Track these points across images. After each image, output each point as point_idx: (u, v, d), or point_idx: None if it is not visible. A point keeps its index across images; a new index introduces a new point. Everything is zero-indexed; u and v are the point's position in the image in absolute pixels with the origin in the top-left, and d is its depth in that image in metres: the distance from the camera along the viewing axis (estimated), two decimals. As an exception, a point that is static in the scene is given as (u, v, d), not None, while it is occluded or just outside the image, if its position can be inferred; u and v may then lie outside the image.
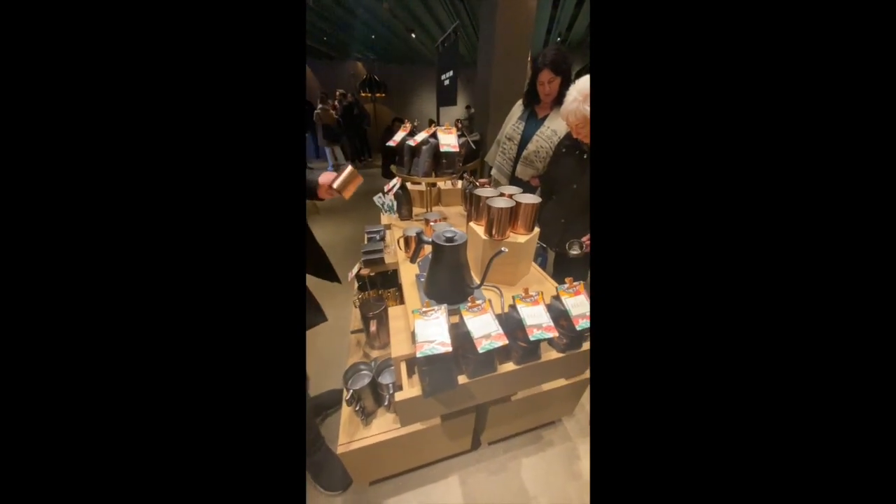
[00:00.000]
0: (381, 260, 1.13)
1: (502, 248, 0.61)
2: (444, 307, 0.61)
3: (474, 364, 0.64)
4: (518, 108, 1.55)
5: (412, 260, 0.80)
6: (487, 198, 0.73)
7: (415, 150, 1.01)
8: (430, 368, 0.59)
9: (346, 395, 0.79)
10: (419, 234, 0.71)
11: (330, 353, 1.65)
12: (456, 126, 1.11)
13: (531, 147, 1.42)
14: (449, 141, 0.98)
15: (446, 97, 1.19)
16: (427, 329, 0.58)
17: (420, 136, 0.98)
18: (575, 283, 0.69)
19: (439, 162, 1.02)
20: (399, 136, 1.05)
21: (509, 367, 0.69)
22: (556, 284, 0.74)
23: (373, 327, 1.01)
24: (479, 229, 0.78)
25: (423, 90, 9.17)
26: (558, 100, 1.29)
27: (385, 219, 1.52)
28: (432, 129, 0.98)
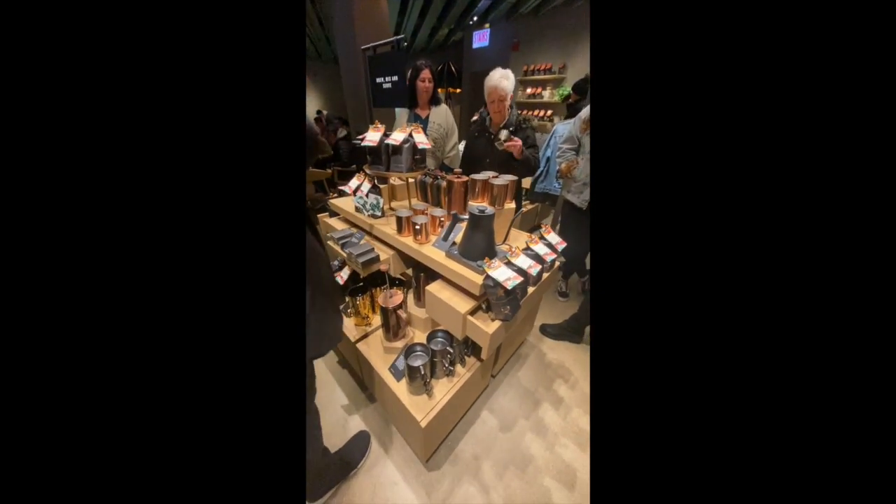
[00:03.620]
0: (377, 258, 1.17)
1: (523, 208, 0.90)
2: (496, 258, 0.86)
3: (520, 291, 0.93)
4: (403, 114, 1.91)
5: (445, 237, 0.96)
6: (490, 179, 1.01)
7: (396, 149, 1.10)
8: (509, 299, 0.83)
9: (422, 372, 0.88)
10: (455, 214, 0.89)
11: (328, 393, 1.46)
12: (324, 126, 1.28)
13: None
14: (422, 139, 1.14)
15: (391, 99, 1.28)
16: (500, 273, 0.81)
17: (399, 136, 1.08)
18: (545, 225, 1.08)
19: (413, 158, 1.16)
20: (375, 136, 1.10)
21: (530, 289, 1.02)
22: (531, 234, 1.11)
23: (403, 315, 1.07)
24: (478, 205, 1.04)
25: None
26: (432, 99, 1.79)
27: (335, 222, 1.46)
28: (408, 130, 1.11)
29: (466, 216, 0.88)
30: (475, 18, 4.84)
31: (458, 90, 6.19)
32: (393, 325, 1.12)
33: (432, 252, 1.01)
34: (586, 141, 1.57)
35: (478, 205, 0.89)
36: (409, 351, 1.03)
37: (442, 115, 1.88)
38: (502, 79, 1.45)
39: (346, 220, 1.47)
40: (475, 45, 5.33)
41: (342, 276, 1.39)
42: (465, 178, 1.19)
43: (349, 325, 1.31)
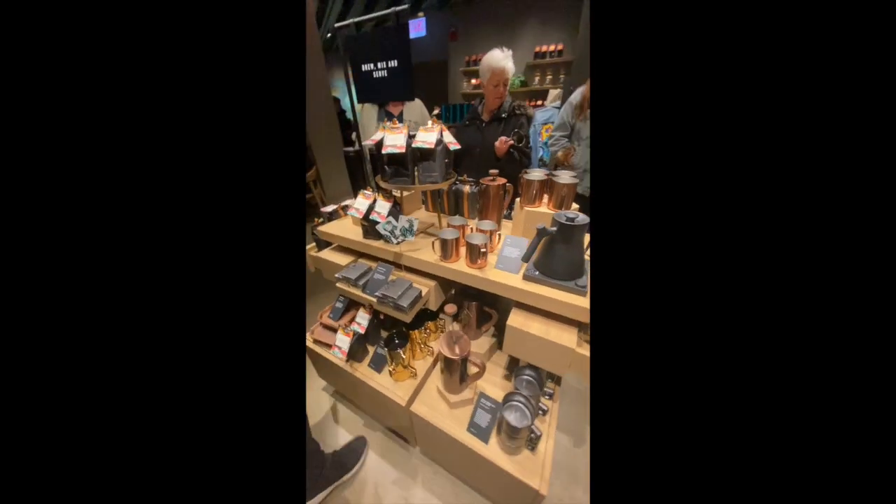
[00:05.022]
0: (420, 296, 0.92)
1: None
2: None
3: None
4: (372, 113, 1.67)
5: (525, 258, 0.76)
6: (548, 176, 0.84)
7: (426, 154, 0.85)
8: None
9: (536, 433, 0.69)
10: (542, 228, 0.71)
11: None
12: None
13: None
14: (451, 139, 0.91)
15: (387, 91, 0.98)
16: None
17: (430, 136, 0.84)
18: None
19: (444, 163, 0.93)
20: (399, 139, 0.83)
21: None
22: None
23: (477, 362, 0.85)
24: (564, 213, 0.89)
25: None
26: None
27: (331, 255, 1.13)
28: (437, 127, 0.86)
29: (553, 228, 0.71)
30: (406, 6, 4.54)
31: (398, 85, 5.83)
32: (460, 375, 0.89)
33: (501, 277, 0.82)
34: (581, 127, 1.53)
35: (563, 212, 0.72)
36: (505, 401, 0.82)
37: (417, 110, 1.68)
38: (506, 59, 1.30)
39: (346, 249, 1.15)
40: (412, 35, 5.05)
41: (361, 324, 1.09)
42: (501, 181, 1.01)
43: (388, 385, 1.03)
